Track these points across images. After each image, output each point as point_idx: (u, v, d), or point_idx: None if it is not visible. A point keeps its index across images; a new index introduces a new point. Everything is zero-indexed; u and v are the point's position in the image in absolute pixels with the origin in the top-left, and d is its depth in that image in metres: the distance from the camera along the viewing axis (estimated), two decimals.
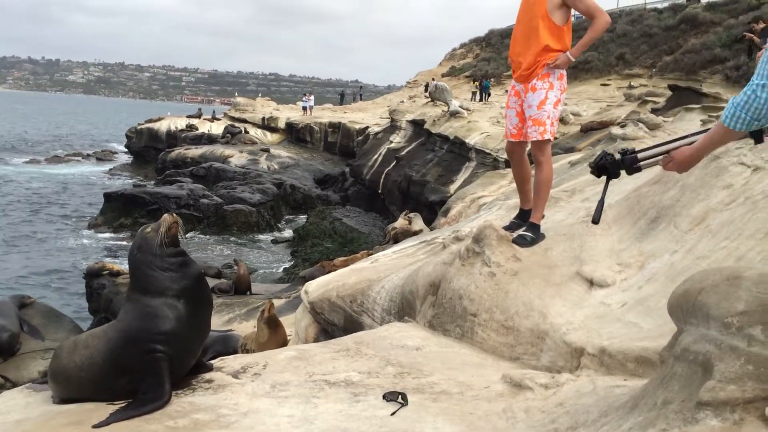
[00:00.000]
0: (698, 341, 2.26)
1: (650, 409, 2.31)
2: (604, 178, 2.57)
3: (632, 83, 31.38)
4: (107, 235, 25.77)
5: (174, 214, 3.26)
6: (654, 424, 2.23)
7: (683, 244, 3.83)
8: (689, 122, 9.32)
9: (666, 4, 43.05)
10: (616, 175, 2.48)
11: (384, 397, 3.04)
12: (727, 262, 3.29)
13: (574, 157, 10.37)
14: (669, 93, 19.41)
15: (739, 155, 4.14)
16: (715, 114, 8.00)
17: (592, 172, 2.57)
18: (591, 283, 3.90)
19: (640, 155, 2.44)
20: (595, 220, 2.65)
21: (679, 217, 4.15)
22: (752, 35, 21.80)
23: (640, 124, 8.13)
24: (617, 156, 2.46)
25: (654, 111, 15.55)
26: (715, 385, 2.11)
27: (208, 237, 25.13)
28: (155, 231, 3.18)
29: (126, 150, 50.32)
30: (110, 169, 45.74)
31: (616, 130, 8.43)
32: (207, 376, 3.36)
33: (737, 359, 2.11)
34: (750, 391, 2.09)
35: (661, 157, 2.45)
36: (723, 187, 4.13)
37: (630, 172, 2.46)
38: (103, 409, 2.93)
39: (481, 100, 35.69)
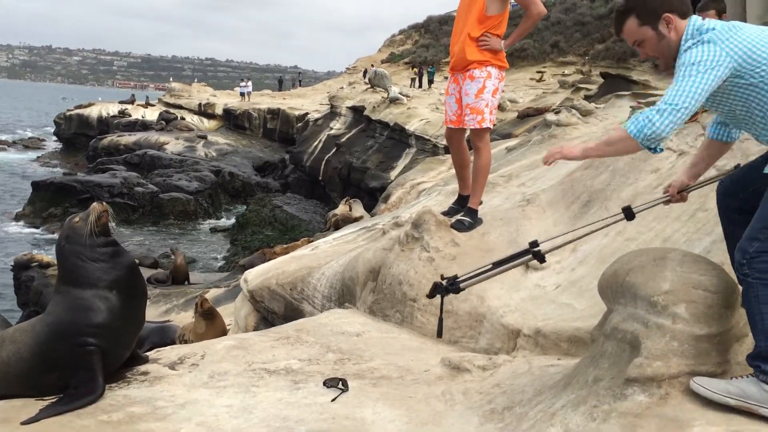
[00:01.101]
0: (626, 320, 2.34)
1: (582, 387, 2.39)
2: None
3: (566, 71, 32.13)
4: (35, 226, 24.76)
5: (104, 203, 3.15)
6: (585, 401, 2.31)
7: (614, 226, 3.95)
8: (619, 108, 9.63)
9: None
10: (448, 293, 2.79)
11: (324, 383, 3.04)
12: (654, 244, 3.42)
13: (511, 143, 10.56)
14: (601, 80, 19.97)
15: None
16: (644, 101, 8.27)
17: (427, 295, 2.89)
18: (526, 266, 3.99)
19: (461, 277, 2.75)
20: (439, 335, 2.94)
21: (609, 201, 4.29)
22: None
23: (574, 111, 8.35)
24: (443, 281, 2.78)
25: (587, 98, 16.00)
26: (642, 361, 2.20)
27: (143, 226, 24.48)
28: (84, 220, 3.06)
29: (55, 137, 48.31)
30: (38, 157, 43.88)
31: (550, 116, 8.62)
32: (143, 368, 3.28)
33: (663, 336, 2.20)
34: (675, 366, 2.19)
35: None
36: (651, 171, 4.29)
37: (455, 293, 2.78)
38: (32, 405, 2.82)
39: (420, 86, 35.86)
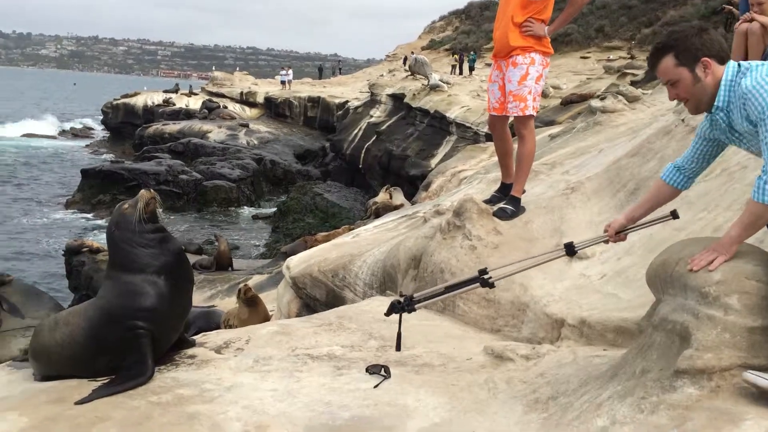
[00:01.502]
0: (676, 311, 2.30)
1: (629, 378, 2.35)
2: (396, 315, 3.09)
3: (611, 56, 31.43)
4: (85, 212, 25.46)
5: (151, 190, 3.22)
6: (632, 393, 2.27)
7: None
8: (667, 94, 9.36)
9: None
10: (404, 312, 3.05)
11: (367, 370, 3.06)
12: (705, 233, 3.33)
13: (555, 130, 10.40)
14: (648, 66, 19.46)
15: None
16: None
17: (385, 314, 3.13)
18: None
19: (416, 297, 3.02)
20: (397, 349, 3.23)
21: None
22: (731, 7, 21.86)
23: (620, 97, 8.16)
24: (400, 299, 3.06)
25: (633, 83, 15.62)
26: (692, 353, 2.15)
27: (187, 213, 24.93)
28: (133, 207, 3.14)
29: (103, 126, 49.48)
30: (86, 145, 45.05)
31: (595, 103, 8.45)
32: (190, 351, 3.35)
33: (714, 328, 2.15)
34: (726, 359, 2.13)
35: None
36: None
37: (409, 312, 3.04)
38: (85, 386, 2.92)
39: (461, 73, 35.55)
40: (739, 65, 2.36)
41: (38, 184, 31.91)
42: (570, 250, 2.93)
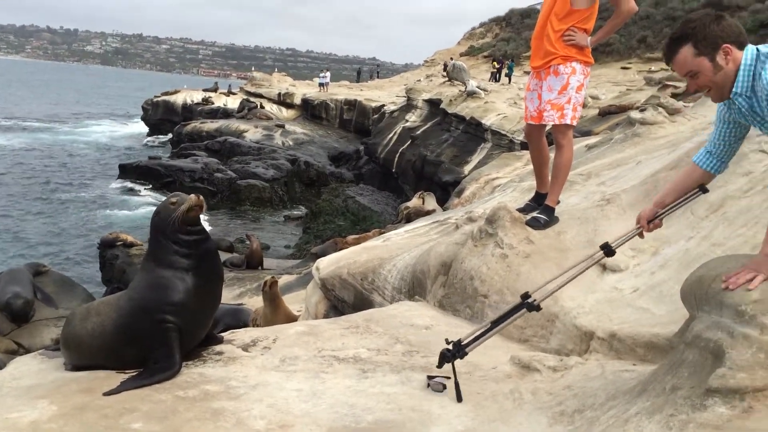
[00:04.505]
0: (710, 328, 2.24)
1: (658, 395, 2.30)
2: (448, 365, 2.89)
3: (653, 68, 30.93)
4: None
5: (200, 197, 3.21)
6: (662, 410, 2.22)
7: (699, 230, 3.78)
8: (710, 108, 9.18)
9: None
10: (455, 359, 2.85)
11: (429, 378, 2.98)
12: (743, 250, 3.24)
13: (591, 140, 10.26)
14: None
15: (760, 142, 4.08)
16: None
17: (437, 366, 2.90)
18: (603, 267, 3.87)
19: (464, 342, 2.83)
20: (458, 399, 2.84)
21: (696, 204, 4.09)
22: None
23: (660, 109, 8.00)
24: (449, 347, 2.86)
25: (675, 96, 15.34)
26: (725, 372, 2.09)
27: (221, 211, 25.25)
28: (177, 205, 3.15)
29: (143, 122, 50.48)
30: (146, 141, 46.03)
31: (635, 114, 8.31)
32: (217, 348, 3.38)
33: (749, 347, 2.09)
34: (760, 379, 2.07)
35: None
36: (742, 174, 4.07)
37: (461, 357, 2.84)
38: (114, 378, 2.97)
39: (498, 80, 35.35)
40: (757, 50, 2.30)
41: (80, 174, 32.77)
42: (608, 250, 2.81)
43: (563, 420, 2.56)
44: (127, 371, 3.03)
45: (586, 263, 2.91)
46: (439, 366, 2.89)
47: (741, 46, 2.31)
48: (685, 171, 2.78)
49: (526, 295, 2.83)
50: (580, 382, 2.84)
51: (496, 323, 2.85)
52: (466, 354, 2.84)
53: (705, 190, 2.68)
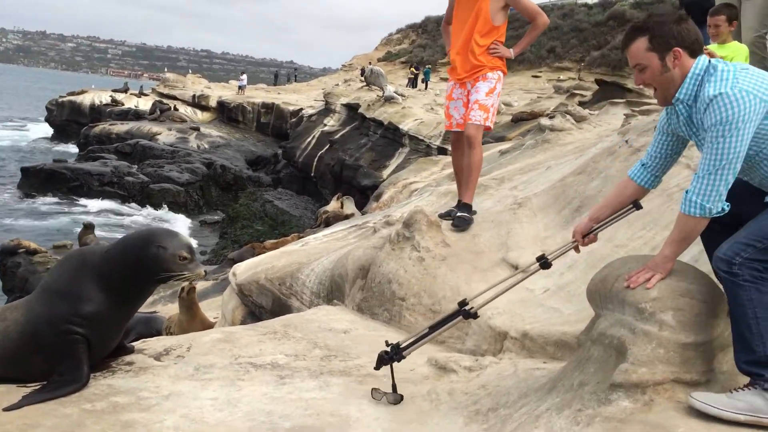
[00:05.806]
0: (614, 326, 2.35)
1: (567, 391, 2.40)
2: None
3: (561, 77, 32.23)
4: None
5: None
6: (570, 405, 2.32)
7: (603, 233, 3.96)
8: (613, 116, 9.66)
9: (596, 0, 44.37)
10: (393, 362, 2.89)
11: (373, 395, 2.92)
12: (643, 251, 3.43)
13: (505, 146, 10.59)
14: (596, 87, 20.06)
15: None
16: (637, 108, 8.29)
17: (374, 368, 2.95)
18: (516, 268, 4.00)
19: (402, 345, 2.89)
20: (397, 399, 2.89)
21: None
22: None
23: (568, 116, 8.37)
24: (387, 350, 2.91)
25: (581, 104, 16.05)
26: (628, 367, 2.21)
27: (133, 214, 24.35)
28: (185, 265, 2.96)
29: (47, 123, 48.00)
30: (29, 142, 43.63)
31: (544, 121, 8.65)
32: (128, 358, 3.26)
33: (649, 343, 2.22)
34: (660, 373, 2.20)
35: None
36: None
37: (398, 360, 2.88)
38: (15, 392, 2.80)
39: (415, 86, 35.84)
40: (709, 62, 2.32)
41: None
42: (544, 263, 2.80)
43: (478, 419, 2.62)
44: (29, 385, 2.86)
45: (521, 275, 2.96)
46: (377, 368, 2.92)
47: (693, 54, 2.32)
48: (619, 185, 2.76)
49: (463, 302, 2.85)
50: (494, 381, 2.92)
51: (433, 328, 2.88)
52: (404, 357, 2.87)
53: (639, 207, 2.66)
